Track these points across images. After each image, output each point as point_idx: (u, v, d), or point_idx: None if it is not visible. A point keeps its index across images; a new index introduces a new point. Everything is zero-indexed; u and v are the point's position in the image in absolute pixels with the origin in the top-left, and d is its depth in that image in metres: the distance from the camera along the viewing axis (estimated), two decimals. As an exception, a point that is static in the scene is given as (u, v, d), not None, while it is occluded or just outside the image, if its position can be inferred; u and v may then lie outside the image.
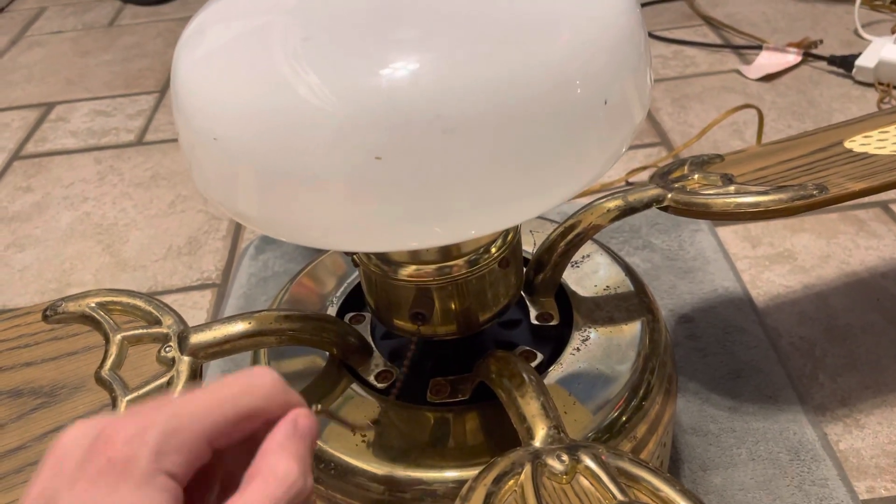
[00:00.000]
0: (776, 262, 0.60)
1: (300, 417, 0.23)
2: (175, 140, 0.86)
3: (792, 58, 0.86)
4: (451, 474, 0.34)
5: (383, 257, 0.36)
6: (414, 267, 0.35)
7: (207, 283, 0.65)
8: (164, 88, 0.98)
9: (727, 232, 0.63)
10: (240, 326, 0.36)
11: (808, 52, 0.86)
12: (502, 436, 0.34)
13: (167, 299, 0.63)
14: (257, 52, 0.27)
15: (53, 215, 0.76)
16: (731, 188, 0.40)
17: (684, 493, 0.28)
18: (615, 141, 0.28)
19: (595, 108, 0.27)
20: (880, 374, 0.50)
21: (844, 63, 0.82)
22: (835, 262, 0.60)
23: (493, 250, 0.36)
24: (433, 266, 0.35)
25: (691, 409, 0.48)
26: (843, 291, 0.57)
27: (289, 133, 0.25)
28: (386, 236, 0.27)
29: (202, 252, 0.68)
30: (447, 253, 0.35)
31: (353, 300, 0.44)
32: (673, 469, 0.44)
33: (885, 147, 0.43)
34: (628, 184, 0.69)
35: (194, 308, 0.62)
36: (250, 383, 0.22)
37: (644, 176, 0.70)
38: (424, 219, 0.26)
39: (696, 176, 0.43)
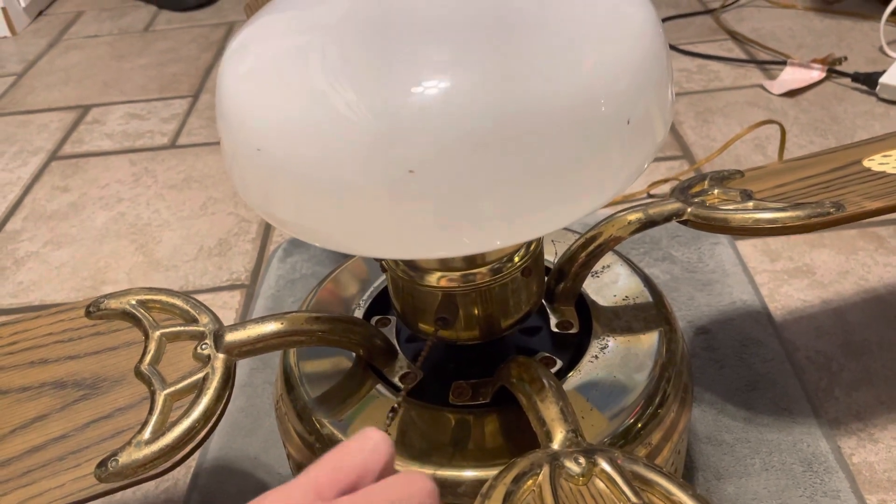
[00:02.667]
0: (795, 276, 0.61)
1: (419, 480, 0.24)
2: (207, 144, 0.88)
3: (816, 74, 0.86)
4: (471, 474, 0.35)
5: (410, 264, 0.37)
6: (440, 274, 0.36)
7: (237, 284, 0.67)
8: (197, 93, 1.00)
9: (746, 246, 0.64)
10: (272, 326, 0.37)
11: (833, 69, 0.86)
12: (521, 438, 0.36)
13: (198, 298, 0.65)
14: (298, 69, 0.29)
15: (89, 215, 0.78)
16: (750, 204, 0.41)
17: (697, 497, 0.29)
18: (637, 158, 0.29)
19: (619, 126, 0.28)
20: (895, 390, 0.50)
21: (868, 80, 0.82)
22: (853, 277, 0.60)
23: (517, 259, 0.37)
24: (458, 273, 0.36)
25: (707, 418, 0.49)
26: (861, 307, 0.57)
27: (327, 146, 0.27)
28: (415, 245, 0.28)
29: (232, 253, 0.70)
30: (472, 261, 0.36)
31: (379, 304, 0.45)
32: (687, 476, 0.45)
33: (903, 167, 0.44)
34: (650, 196, 0.70)
35: (224, 308, 0.64)
36: (366, 448, 0.24)
37: (665, 188, 0.71)
38: (453, 230, 0.27)
39: (715, 191, 0.44)
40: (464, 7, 0.28)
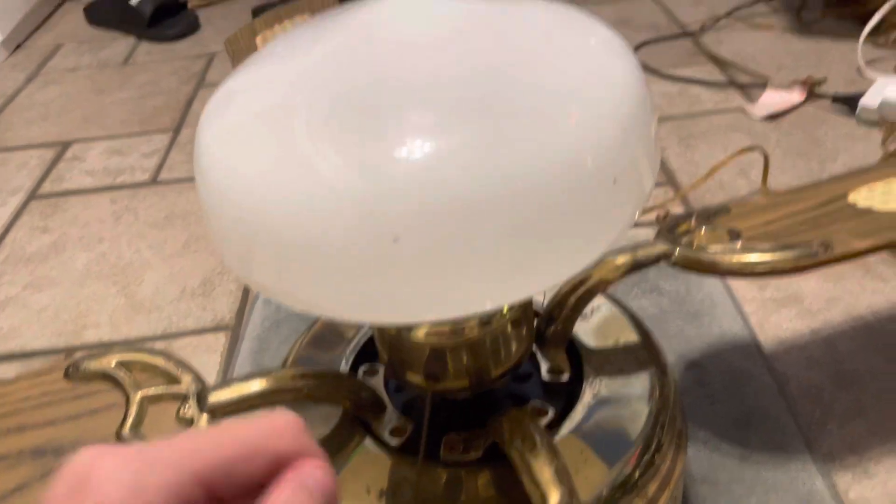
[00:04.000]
0: (784, 305, 0.61)
1: (313, 469, 0.20)
2: (189, 179, 0.87)
3: (796, 96, 0.87)
4: (465, 531, 0.34)
5: (397, 317, 0.36)
6: (427, 328, 0.36)
7: (221, 326, 0.65)
8: (178, 127, 0.99)
9: (734, 274, 0.64)
10: (256, 385, 0.37)
11: (812, 91, 0.87)
12: (514, 496, 0.35)
13: (182, 342, 0.64)
14: (281, 129, 0.28)
15: (70, 256, 0.77)
16: (738, 244, 0.41)
17: (695, 559, 0.28)
18: (626, 212, 0.29)
19: (605, 185, 0.27)
20: (888, 421, 0.50)
21: (848, 102, 0.83)
22: (842, 305, 0.60)
23: (506, 310, 0.36)
24: (447, 327, 0.36)
25: (701, 457, 0.48)
26: (851, 335, 0.57)
27: (309, 212, 0.26)
28: (400, 312, 0.28)
29: (216, 294, 0.69)
30: (460, 315, 0.35)
31: (367, 351, 0.44)
32: (683, 520, 0.44)
33: (888, 202, 0.44)
34: (635, 224, 0.70)
35: (208, 351, 0.63)
36: (258, 422, 0.20)
37: (651, 216, 0.71)
38: (440, 296, 0.27)
39: (702, 230, 0.43)
40: (448, 68, 0.28)
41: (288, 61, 0.32)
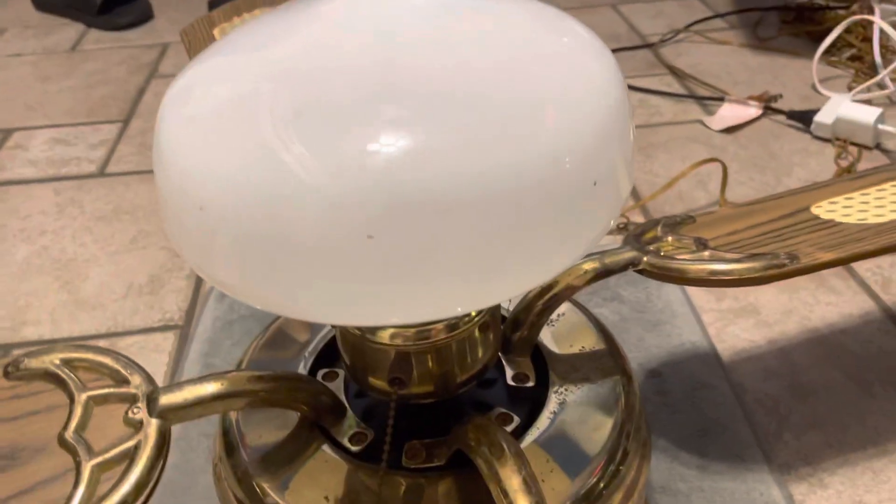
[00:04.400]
0: (741, 315, 0.61)
1: None
2: (138, 172, 0.84)
3: (753, 111, 0.88)
4: (426, 542, 0.33)
5: (362, 319, 0.35)
6: (393, 331, 0.35)
7: (170, 325, 0.63)
8: (127, 118, 0.96)
9: (693, 284, 0.64)
10: (211, 388, 0.35)
11: (769, 106, 0.88)
12: (478, 504, 0.34)
13: (128, 341, 0.61)
14: (246, 120, 0.26)
15: (9, 248, 0.73)
16: (706, 254, 0.41)
17: (665, 572, 0.28)
18: (604, 218, 0.28)
19: (584, 189, 0.27)
20: (842, 433, 0.51)
21: (803, 118, 0.85)
22: (797, 317, 0.61)
23: (474, 314, 0.35)
24: (413, 331, 0.34)
25: (661, 466, 0.48)
26: (806, 347, 0.58)
27: (278, 208, 0.25)
28: (370, 312, 0.26)
29: (165, 292, 0.67)
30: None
31: (327, 355, 0.43)
32: (643, 530, 0.44)
33: (850, 215, 0.45)
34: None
35: (156, 351, 0.60)
36: None
37: (613, 223, 0.71)
38: (412, 297, 0.26)
39: (669, 238, 0.43)
40: (423, 63, 0.27)
41: (252, 52, 0.30)
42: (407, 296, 0.26)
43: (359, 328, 0.35)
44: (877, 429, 0.51)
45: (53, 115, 0.98)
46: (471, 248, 0.25)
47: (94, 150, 0.89)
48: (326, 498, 0.35)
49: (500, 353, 0.41)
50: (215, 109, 0.28)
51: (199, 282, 0.68)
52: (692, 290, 0.63)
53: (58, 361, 0.36)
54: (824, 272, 0.65)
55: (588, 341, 0.43)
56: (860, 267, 0.65)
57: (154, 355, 0.60)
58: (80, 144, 0.91)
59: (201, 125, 0.28)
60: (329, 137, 0.25)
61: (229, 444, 0.38)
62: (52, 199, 0.81)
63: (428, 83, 0.26)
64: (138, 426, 0.34)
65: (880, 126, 0.80)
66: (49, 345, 0.37)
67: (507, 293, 0.27)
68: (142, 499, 0.32)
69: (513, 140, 0.25)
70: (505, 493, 0.30)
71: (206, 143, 0.27)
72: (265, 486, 0.36)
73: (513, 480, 0.30)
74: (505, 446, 0.32)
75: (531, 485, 0.30)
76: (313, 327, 0.45)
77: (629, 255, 0.41)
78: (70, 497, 0.31)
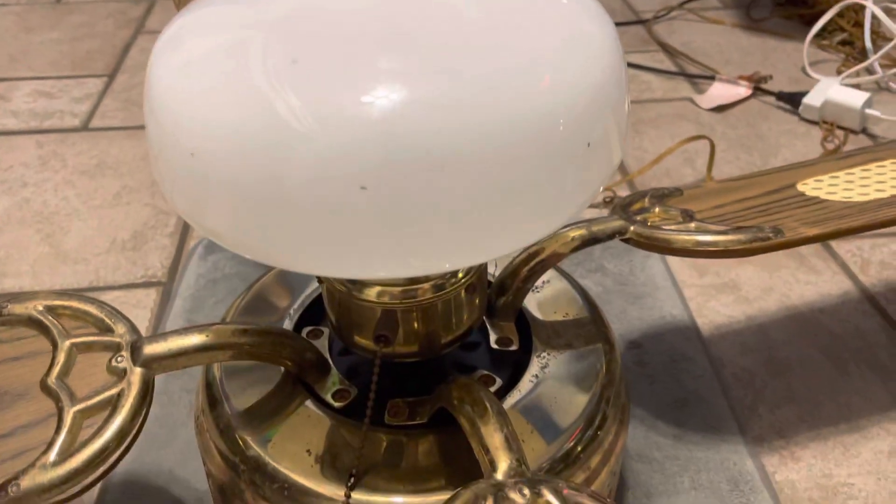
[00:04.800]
0: (722, 291, 0.62)
1: None
2: (123, 128, 0.83)
3: (743, 91, 0.88)
4: (403, 499, 0.34)
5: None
6: (380, 288, 0.35)
7: (153, 282, 0.63)
8: (113, 73, 0.95)
9: (676, 259, 0.65)
10: (195, 339, 0.35)
11: (758, 87, 0.89)
12: (457, 462, 0.34)
13: (109, 296, 0.61)
14: (241, 68, 0.26)
15: (-11, 199, 0.72)
16: (692, 225, 0.41)
17: (640, 530, 0.28)
18: (594, 181, 0.29)
19: (577, 149, 0.27)
20: (816, 409, 0.52)
21: (792, 100, 0.85)
22: (776, 294, 0.62)
23: (461, 275, 0.36)
24: (399, 289, 0.35)
25: (638, 435, 0.49)
26: (784, 324, 0.59)
27: (268, 156, 0.25)
28: (360, 265, 0.27)
29: (148, 248, 0.66)
30: (415, 277, 0.34)
31: (312, 313, 0.43)
32: (619, 495, 0.45)
33: (835, 193, 0.45)
34: (583, 205, 0.70)
35: (138, 307, 0.60)
36: None
37: (599, 197, 0.71)
38: (402, 251, 0.26)
39: (656, 209, 0.43)
40: (424, 17, 0.27)
41: (245, 1, 0.30)
42: (397, 249, 0.26)
43: (345, 285, 0.35)
44: (849, 405, 0.52)
45: (37, 67, 0.96)
46: (462, 204, 0.25)
47: (78, 104, 0.88)
48: (308, 451, 0.35)
49: (484, 318, 0.42)
50: (208, 55, 0.28)
51: (182, 239, 0.67)
52: (674, 265, 0.64)
53: (41, 308, 0.36)
54: (805, 252, 0.66)
55: (572, 309, 0.43)
56: (840, 248, 0.66)
57: (136, 311, 0.60)
58: (64, 98, 0.89)
59: (193, 70, 0.27)
60: (323, 86, 0.25)
61: (212, 397, 0.38)
62: (34, 152, 0.79)
63: (425, 37, 0.26)
64: (121, 374, 0.34)
65: (867, 110, 0.80)
66: (31, 294, 0.37)
67: (495, 251, 0.28)
68: (124, 446, 0.32)
69: (509, 97, 0.25)
70: (486, 450, 0.31)
71: (198, 88, 0.27)
72: (248, 438, 0.36)
73: (495, 438, 0.31)
74: (488, 405, 0.33)
75: (512, 443, 0.31)
76: (298, 286, 0.45)
77: (616, 223, 0.41)
78: (52, 442, 0.31)
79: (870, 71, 0.90)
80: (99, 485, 0.46)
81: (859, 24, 0.96)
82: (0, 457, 0.32)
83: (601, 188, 0.29)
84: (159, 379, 0.52)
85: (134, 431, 0.33)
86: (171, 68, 0.28)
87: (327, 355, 0.40)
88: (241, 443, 0.36)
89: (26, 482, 0.30)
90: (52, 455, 0.31)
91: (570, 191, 0.27)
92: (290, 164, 0.24)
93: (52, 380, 0.33)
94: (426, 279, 0.35)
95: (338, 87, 0.25)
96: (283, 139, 0.24)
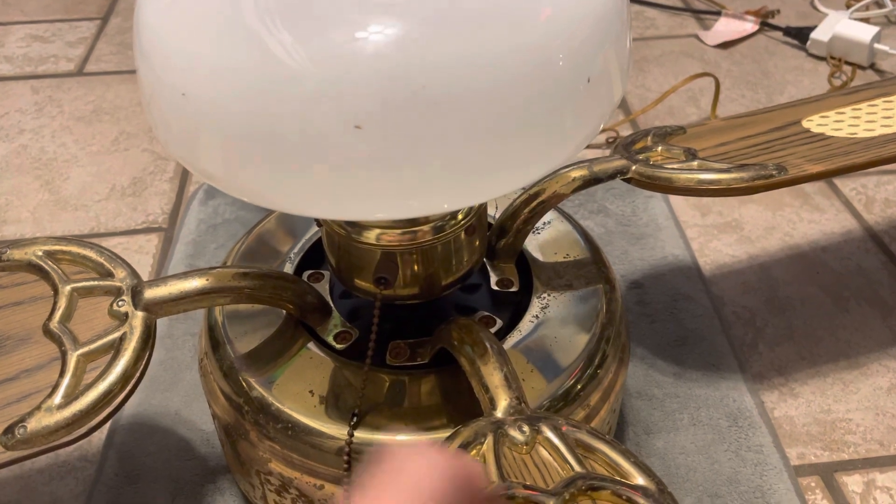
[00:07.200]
0: (724, 231, 0.62)
1: None
2: (119, 72, 0.82)
3: (749, 26, 0.86)
4: (406, 437, 0.34)
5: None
6: (379, 231, 0.34)
7: (153, 227, 0.63)
8: (106, 15, 0.93)
9: (678, 199, 0.64)
10: (196, 283, 0.35)
11: (766, 22, 0.87)
12: (458, 401, 0.35)
13: (111, 242, 0.61)
14: (231, 6, 0.25)
15: (-13, 146, 0.72)
16: (695, 164, 0.41)
17: (639, 465, 0.29)
18: (595, 117, 0.28)
19: (577, 84, 0.26)
20: (815, 346, 0.52)
21: (799, 35, 0.83)
22: (779, 233, 0.61)
23: (460, 217, 0.35)
24: (399, 231, 0.34)
25: (638, 373, 0.49)
26: (785, 263, 0.59)
27: (262, 95, 0.24)
28: (356, 206, 0.26)
29: (148, 194, 0.66)
30: (414, 219, 0.34)
31: (312, 257, 0.43)
32: (618, 432, 0.45)
33: (841, 129, 0.44)
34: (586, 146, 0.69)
35: (139, 252, 0.60)
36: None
37: (601, 138, 0.71)
38: (400, 191, 0.25)
39: (659, 148, 0.43)
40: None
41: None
42: (393, 189, 0.25)
43: (344, 227, 0.35)
44: (849, 342, 0.52)
45: (30, 10, 0.94)
46: (460, 142, 0.25)
47: (72, 48, 0.86)
48: (311, 392, 0.35)
49: (485, 259, 0.41)
50: (198, -8, 0.27)
51: (182, 185, 0.67)
52: (677, 205, 0.63)
53: (41, 253, 0.36)
54: (809, 190, 0.65)
55: (573, 250, 0.43)
56: (845, 186, 0.66)
57: (138, 256, 0.60)
58: (58, 42, 0.88)
59: (182, 8, 0.27)
60: (316, 23, 0.24)
61: (215, 339, 0.39)
62: (29, 98, 0.78)
63: (420, -30, 0.25)
64: (123, 318, 0.34)
65: (876, 45, 0.79)
66: (32, 238, 0.36)
67: (494, 191, 0.27)
68: (128, 389, 0.33)
69: (506, 32, 0.24)
70: (486, 389, 0.31)
71: (187, 27, 0.26)
72: (251, 380, 0.36)
73: (494, 377, 0.31)
74: (488, 345, 0.33)
75: (512, 381, 0.31)
76: (298, 230, 0.45)
77: (618, 163, 0.41)
78: (56, 386, 0.32)
79: (879, 4, 0.88)
80: (107, 426, 0.47)
81: (871, -44, 0.93)
82: (6, 400, 0.32)
83: (602, 126, 0.29)
84: (163, 323, 0.52)
85: (137, 374, 0.33)
86: (160, 6, 0.27)
87: (328, 298, 0.40)
88: (244, 384, 0.36)
89: (33, 424, 0.30)
90: (58, 398, 0.31)
91: (569, 128, 0.27)
92: (281, 103, 0.24)
93: (54, 324, 0.33)
94: (425, 221, 0.34)
95: (330, 23, 0.24)
96: (276, 76, 0.24)
